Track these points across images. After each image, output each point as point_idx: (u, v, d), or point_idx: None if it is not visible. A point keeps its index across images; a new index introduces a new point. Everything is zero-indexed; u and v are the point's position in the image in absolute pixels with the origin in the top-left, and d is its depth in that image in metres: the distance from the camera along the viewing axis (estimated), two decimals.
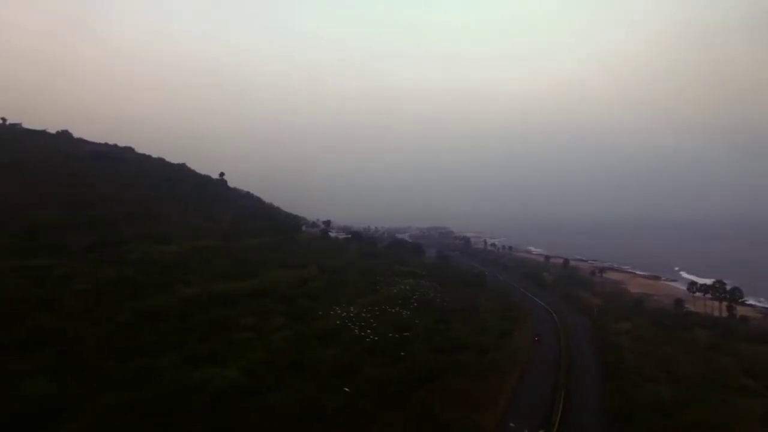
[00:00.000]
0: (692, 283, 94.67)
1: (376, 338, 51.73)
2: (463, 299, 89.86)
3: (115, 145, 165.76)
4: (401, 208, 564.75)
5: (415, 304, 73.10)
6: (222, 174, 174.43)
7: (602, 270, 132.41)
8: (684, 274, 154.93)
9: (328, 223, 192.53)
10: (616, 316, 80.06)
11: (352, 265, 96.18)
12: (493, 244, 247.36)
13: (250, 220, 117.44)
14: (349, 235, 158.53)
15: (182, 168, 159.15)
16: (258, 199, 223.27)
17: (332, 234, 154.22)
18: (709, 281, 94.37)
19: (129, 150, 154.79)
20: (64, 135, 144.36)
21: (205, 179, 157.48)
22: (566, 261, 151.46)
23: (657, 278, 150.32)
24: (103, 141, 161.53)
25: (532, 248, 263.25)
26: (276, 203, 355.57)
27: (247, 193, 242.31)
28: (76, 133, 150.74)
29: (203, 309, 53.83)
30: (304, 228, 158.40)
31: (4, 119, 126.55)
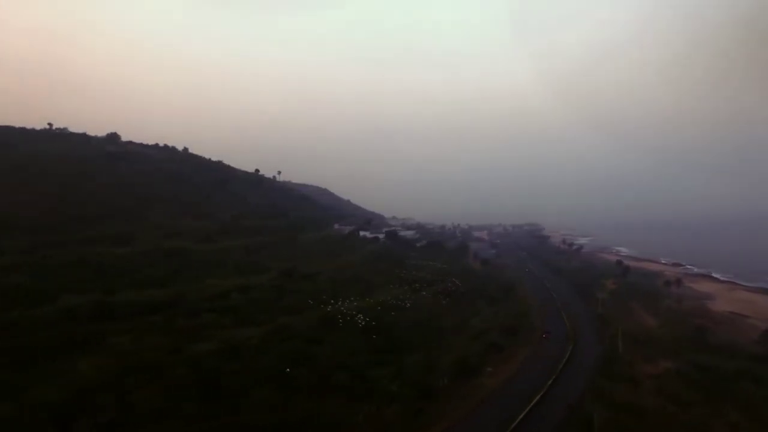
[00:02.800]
0: None
1: (234, 377, 39.16)
2: (462, 314, 73.28)
3: (166, 146, 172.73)
4: (498, 205, 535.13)
5: (372, 323, 58.94)
6: (257, 170, 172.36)
7: (679, 280, 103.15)
8: None
9: (368, 222, 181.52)
10: (657, 351, 57.52)
11: (339, 270, 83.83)
12: (571, 244, 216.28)
13: (259, 219, 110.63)
14: (382, 235, 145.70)
15: (216, 166, 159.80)
16: (307, 197, 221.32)
17: (363, 233, 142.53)
18: None
19: (167, 150, 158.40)
20: (112, 138, 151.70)
21: (234, 175, 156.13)
22: (627, 267, 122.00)
23: None
24: (153, 143, 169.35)
25: (621, 249, 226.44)
26: (360, 202, 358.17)
27: (293, 188, 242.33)
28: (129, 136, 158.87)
29: (71, 323, 46.17)
30: (336, 226, 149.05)
31: (50, 124, 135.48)
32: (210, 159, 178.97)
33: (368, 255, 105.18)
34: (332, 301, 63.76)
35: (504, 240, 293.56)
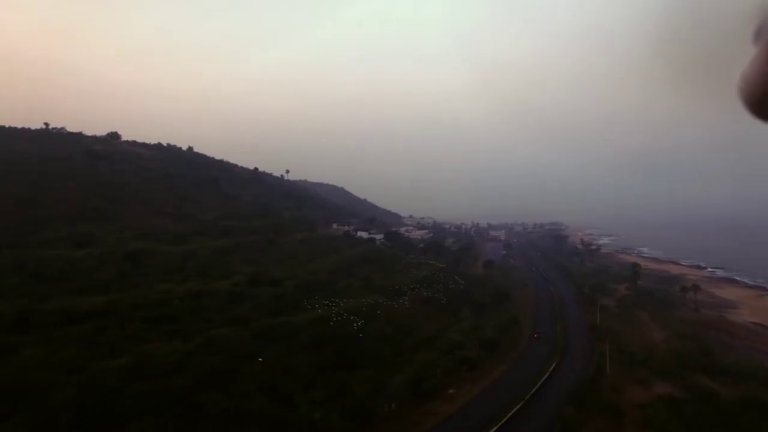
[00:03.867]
0: None
1: (132, 400, 34.03)
2: (441, 323, 66.80)
3: (168, 146, 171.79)
4: (524, 204, 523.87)
5: (327, 335, 53.17)
6: (255, 168, 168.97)
7: (697, 285, 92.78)
8: None
9: (372, 220, 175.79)
10: (654, 371, 49.60)
11: (314, 274, 78.24)
12: (589, 244, 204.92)
13: (245, 219, 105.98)
14: (381, 236, 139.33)
15: (217, 165, 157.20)
16: (315, 196, 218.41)
17: (361, 233, 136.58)
18: None
19: (165, 149, 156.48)
20: (112, 137, 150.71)
21: (234, 174, 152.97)
22: (638, 271, 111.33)
23: None
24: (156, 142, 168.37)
25: (643, 250, 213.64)
26: (379, 202, 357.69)
27: (305, 187, 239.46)
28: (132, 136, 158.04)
29: None
30: (335, 226, 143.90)
31: (47, 124, 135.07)
32: (212, 158, 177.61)
33: (355, 257, 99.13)
34: (290, 310, 58.30)
35: (520, 239, 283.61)
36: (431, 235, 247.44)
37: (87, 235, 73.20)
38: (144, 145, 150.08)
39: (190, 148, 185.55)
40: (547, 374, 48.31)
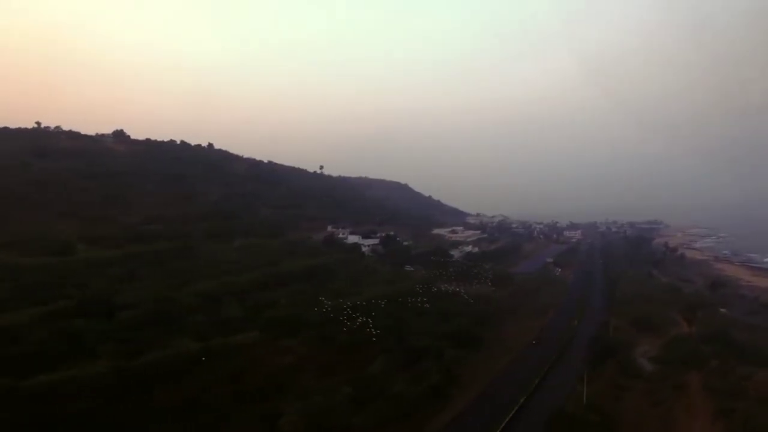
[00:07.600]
0: None
1: None
2: (316, 386, 42.95)
3: (183, 143, 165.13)
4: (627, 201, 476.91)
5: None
6: (260, 161, 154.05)
7: None
8: None
9: (384, 221, 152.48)
10: None
11: (194, 296, 58.11)
12: (674, 249, 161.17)
13: (183, 222, 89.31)
14: (376, 240, 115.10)
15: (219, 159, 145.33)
16: (348, 194, 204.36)
17: (353, 238, 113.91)
18: None
19: (159, 145, 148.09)
20: (119, 135, 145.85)
21: (229, 168, 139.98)
22: (702, 304, 72.46)
23: None
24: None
25: (754, 257, 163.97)
26: (451, 200, 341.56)
27: (344, 183, 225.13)
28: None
29: None
30: (330, 228, 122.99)
31: (38, 123, 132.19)
32: (237, 155, 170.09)
33: (297, 270, 76.35)
34: (76, 359, 38.73)
35: (597, 241, 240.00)
36: (484, 236, 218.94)
37: None
38: (133, 141, 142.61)
39: (210, 145, 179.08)
40: None
